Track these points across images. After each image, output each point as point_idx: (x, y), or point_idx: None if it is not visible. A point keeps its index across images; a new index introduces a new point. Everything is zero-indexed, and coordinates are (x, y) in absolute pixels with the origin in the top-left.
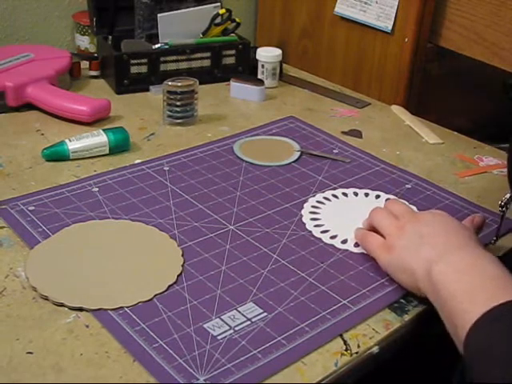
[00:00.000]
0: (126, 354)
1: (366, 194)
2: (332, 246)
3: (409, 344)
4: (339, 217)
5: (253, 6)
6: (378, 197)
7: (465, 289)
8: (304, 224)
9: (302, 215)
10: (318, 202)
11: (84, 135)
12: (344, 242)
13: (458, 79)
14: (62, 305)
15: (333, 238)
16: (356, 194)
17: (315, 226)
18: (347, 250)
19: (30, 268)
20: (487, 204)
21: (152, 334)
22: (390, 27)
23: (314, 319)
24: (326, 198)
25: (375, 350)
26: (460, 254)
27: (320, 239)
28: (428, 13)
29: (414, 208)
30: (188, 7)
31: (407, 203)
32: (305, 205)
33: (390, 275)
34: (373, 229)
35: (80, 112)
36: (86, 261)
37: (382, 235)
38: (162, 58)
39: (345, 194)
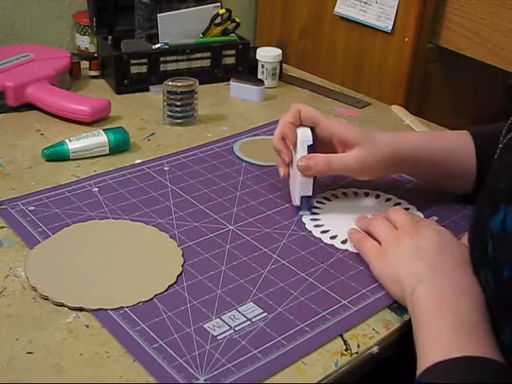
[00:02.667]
0: (126, 353)
1: (367, 194)
2: (332, 246)
3: (409, 344)
4: (339, 216)
5: (253, 6)
6: (377, 196)
7: (434, 329)
8: (304, 224)
9: (301, 215)
10: (317, 202)
11: (84, 135)
12: (344, 242)
13: (457, 79)
14: (62, 305)
15: (333, 238)
16: (356, 194)
17: (315, 226)
18: (347, 250)
19: (30, 268)
20: None
21: (152, 334)
22: (390, 27)
23: (314, 319)
24: (325, 198)
25: (375, 349)
26: (447, 279)
27: (320, 239)
28: (428, 13)
29: (420, 214)
30: (188, 7)
31: (411, 208)
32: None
33: (380, 283)
34: (369, 234)
35: (80, 112)
36: (86, 261)
37: (378, 242)
38: (161, 58)
39: (345, 194)
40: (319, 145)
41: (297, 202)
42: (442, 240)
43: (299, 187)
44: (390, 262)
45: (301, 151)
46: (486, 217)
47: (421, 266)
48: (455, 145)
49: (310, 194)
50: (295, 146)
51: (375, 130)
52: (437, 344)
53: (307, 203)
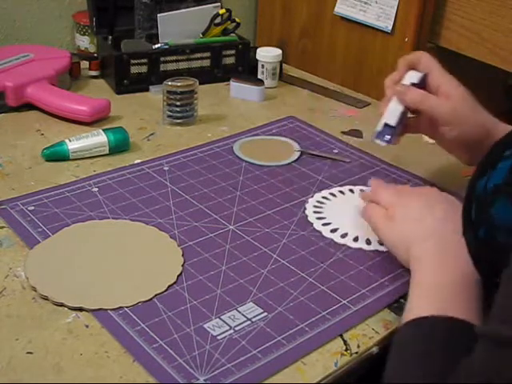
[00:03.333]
0: (125, 353)
1: (362, 191)
2: (331, 243)
3: None
4: (343, 212)
5: (253, 6)
6: None
7: (423, 283)
8: (306, 216)
9: (305, 208)
10: (322, 197)
11: (84, 135)
12: (343, 236)
13: (457, 79)
14: (61, 305)
15: (333, 231)
16: (362, 191)
17: (317, 218)
18: (347, 250)
19: (30, 268)
20: None
21: (152, 334)
22: (390, 27)
23: (313, 319)
24: (331, 194)
25: (375, 350)
26: (456, 235)
27: (321, 238)
28: (428, 13)
29: None
30: (188, 7)
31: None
32: (309, 199)
33: (388, 248)
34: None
35: (80, 112)
36: (86, 261)
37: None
38: (161, 58)
39: (351, 191)
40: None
41: (378, 128)
42: (446, 198)
43: (386, 114)
44: (398, 224)
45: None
46: (474, 179)
47: (430, 221)
48: None
49: (393, 124)
50: (399, 80)
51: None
52: (420, 303)
53: (386, 133)
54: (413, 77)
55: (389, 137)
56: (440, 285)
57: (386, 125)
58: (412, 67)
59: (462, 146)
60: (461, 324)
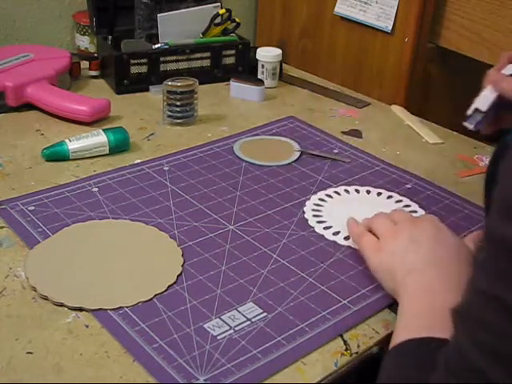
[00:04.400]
0: (125, 353)
1: (368, 192)
2: (333, 244)
3: None
4: (342, 213)
5: (253, 6)
6: (379, 194)
7: (409, 312)
8: (306, 220)
9: (304, 211)
10: (319, 199)
11: (84, 135)
12: (346, 238)
13: (457, 79)
14: (61, 305)
15: (335, 234)
16: (358, 192)
17: (318, 222)
18: (348, 250)
19: (30, 268)
20: None
21: (152, 334)
22: (390, 27)
23: (314, 319)
24: (327, 196)
25: (375, 350)
26: (437, 273)
27: (322, 236)
28: (428, 13)
29: (422, 211)
30: (188, 7)
31: (412, 205)
32: (307, 202)
33: (376, 277)
34: (370, 231)
35: (80, 112)
36: (86, 261)
37: (377, 238)
38: (161, 58)
39: (346, 191)
40: None
41: (469, 111)
42: (439, 234)
43: (478, 98)
44: (386, 256)
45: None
46: (498, 161)
47: (413, 257)
48: None
49: (484, 109)
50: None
51: None
52: (405, 328)
53: (476, 118)
54: (509, 69)
55: (475, 122)
56: (416, 313)
57: (477, 109)
58: None
59: None
60: (429, 339)
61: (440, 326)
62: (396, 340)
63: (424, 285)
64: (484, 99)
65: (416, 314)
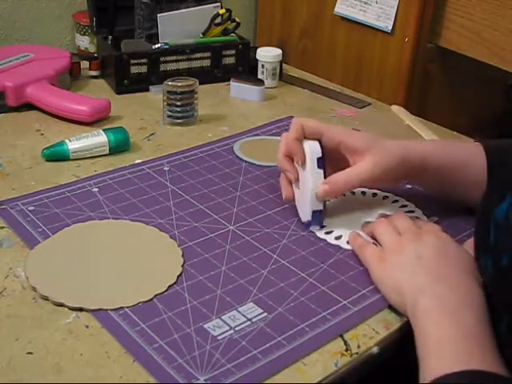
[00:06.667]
0: (125, 354)
1: (374, 195)
2: (337, 246)
3: (409, 344)
4: (343, 217)
5: (253, 6)
6: (385, 198)
7: (436, 340)
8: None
9: (311, 230)
10: None
11: (84, 135)
12: (348, 241)
13: (457, 79)
14: (61, 305)
15: (337, 238)
16: (364, 194)
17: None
18: (348, 250)
19: (30, 268)
20: None
21: (152, 334)
22: (390, 27)
23: (314, 319)
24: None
25: (375, 350)
26: (449, 290)
27: (321, 239)
28: (428, 13)
29: (424, 218)
30: (188, 7)
31: (416, 211)
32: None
33: (378, 288)
34: (373, 237)
35: (80, 112)
36: (86, 261)
37: (378, 246)
38: (161, 58)
39: (352, 193)
40: (327, 156)
41: (308, 217)
42: (445, 248)
43: (310, 202)
44: (390, 268)
45: (311, 165)
46: (491, 205)
47: (422, 276)
48: (466, 155)
49: (322, 208)
50: (303, 162)
51: (382, 137)
52: (440, 356)
53: (318, 218)
54: (313, 152)
55: (322, 220)
56: (444, 338)
57: (315, 211)
58: (300, 139)
59: (396, 178)
60: (490, 375)
61: (476, 350)
62: (434, 369)
63: (440, 309)
64: (313, 199)
65: (445, 338)
